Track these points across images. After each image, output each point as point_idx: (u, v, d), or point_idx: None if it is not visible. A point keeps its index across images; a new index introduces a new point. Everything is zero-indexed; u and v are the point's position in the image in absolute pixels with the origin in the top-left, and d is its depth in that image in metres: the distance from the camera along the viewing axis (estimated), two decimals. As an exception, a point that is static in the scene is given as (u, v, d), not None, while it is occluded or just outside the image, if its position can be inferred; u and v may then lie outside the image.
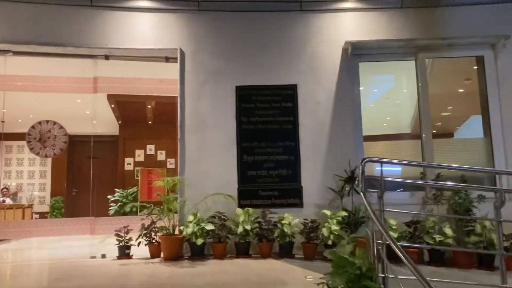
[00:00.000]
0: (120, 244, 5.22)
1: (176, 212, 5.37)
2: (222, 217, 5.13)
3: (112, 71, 6.17)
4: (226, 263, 4.71)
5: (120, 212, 11.19)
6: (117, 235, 5.25)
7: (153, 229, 5.24)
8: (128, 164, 12.12)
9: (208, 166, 5.44)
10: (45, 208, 11.55)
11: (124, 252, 5.19)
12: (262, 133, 5.51)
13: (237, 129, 5.51)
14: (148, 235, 5.22)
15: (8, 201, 10.53)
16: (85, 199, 12.63)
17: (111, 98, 9.08)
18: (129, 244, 5.22)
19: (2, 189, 10.95)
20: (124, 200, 11.21)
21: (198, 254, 5.02)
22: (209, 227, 4.96)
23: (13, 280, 4.21)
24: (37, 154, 5.54)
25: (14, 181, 11.63)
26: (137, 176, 11.93)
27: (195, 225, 4.94)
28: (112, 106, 9.60)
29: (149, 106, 9.86)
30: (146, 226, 5.25)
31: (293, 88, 5.55)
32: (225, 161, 5.45)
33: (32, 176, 11.77)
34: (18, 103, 9.67)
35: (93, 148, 13.10)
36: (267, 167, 5.46)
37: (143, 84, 5.99)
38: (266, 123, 5.53)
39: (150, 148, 12.32)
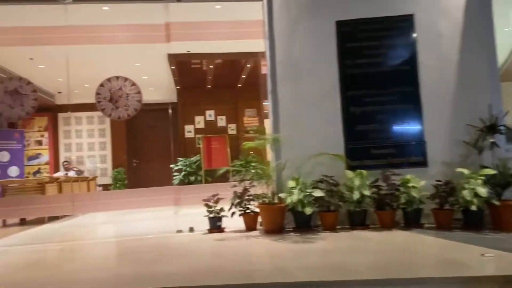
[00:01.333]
0: (210, 215, 4.49)
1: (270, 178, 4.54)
2: (331, 181, 4.24)
3: (185, 15, 5.32)
4: (346, 236, 3.84)
5: (185, 182, 10.65)
6: (206, 205, 4.51)
7: (247, 197, 4.46)
8: (189, 131, 11.49)
9: (306, 122, 4.52)
10: (107, 180, 11.21)
11: (215, 224, 4.45)
12: (371, 78, 4.49)
13: (340, 74, 4.52)
14: (242, 204, 4.44)
15: (72, 174, 10.21)
16: (146, 170, 12.23)
17: (172, 58, 8.30)
18: (220, 215, 4.47)
19: (63, 162, 10.64)
20: (188, 169, 10.63)
21: (303, 225, 4.19)
22: (318, 193, 4.08)
23: (103, 261, 3.55)
24: (109, 116, 4.84)
25: (74, 154, 11.32)
26: (199, 144, 11.30)
27: (300, 191, 4.08)
28: (172, 68, 8.83)
29: (211, 66, 9.02)
30: (239, 194, 4.47)
31: (409, 20, 4.45)
32: (326, 115, 4.51)
33: (92, 148, 11.41)
34: (74, 71, 9.11)
35: (152, 117, 12.57)
36: (379, 119, 4.47)
37: (221, 28, 5.09)
38: (376, 65, 4.50)
39: (210, 114, 11.60)
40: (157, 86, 10.92)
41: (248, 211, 4.45)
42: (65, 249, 4.12)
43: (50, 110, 11.10)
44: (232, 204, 4.44)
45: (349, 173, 4.25)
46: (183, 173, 10.61)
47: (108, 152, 11.51)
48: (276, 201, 4.33)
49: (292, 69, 4.58)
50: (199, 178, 10.59)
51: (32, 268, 3.32)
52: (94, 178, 9.75)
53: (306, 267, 2.77)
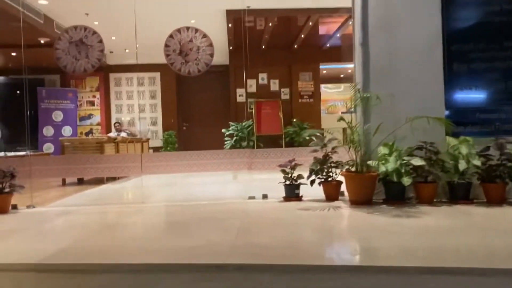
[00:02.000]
0: (287, 182, 4.08)
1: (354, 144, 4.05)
2: (431, 148, 3.70)
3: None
4: (453, 212, 3.34)
5: (236, 147, 10.33)
6: (283, 171, 4.10)
7: (330, 164, 4.00)
8: (240, 95, 11.07)
9: (401, 80, 3.95)
10: (158, 143, 11.06)
11: (292, 192, 4.04)
12: (481, 29, 3.84)
13: (443, 24, 3.88)
14: (323, 171, 4.00)
15: (123, 135, 10.10)
16: (196, 134, 11.98)
17: (230, 15, 7.78)
18: (298, 182, 4.06)
19: (115, 123, 10.53)
20: (240, 135, 10.28)
21: (396, 197, 3.70)
22: (417, 162, 3.57)
23: (184, 227, 3.23)
24: (179, 70, 4.44)
25: (126, 116, 11.20)
26: (251, 108, 10.88)
27: (397, 159, 3.57)
28: (229, 26, 8.33)
29: (270, 24, 8.43)
30: (321, 160, 4.02)
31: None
32: (425, 72, 3.92)
33: (143, 110, 11.24)
34: (126, 29, 8.78)
35: (202, 80, 12.21)
36: (489, 78, 3.84)
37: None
38: (490, 14, 3.83)
39: (263, 78, 11.10)
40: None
41: (330, 179, 4.01)
42: (135, 212, 3.86)
43: (102, 70, 10.94)
44: (312, 171, 4.01)
45: (452, 140, 3.70)
46: (234, 138, 10.28)
47: (159, 114, 11.32)
48: (363, 169, 3.85)
49: (387, 18, 3.98)
50: (251, 143, 10.24)
51: (108, 232, 3.04)
52: (147, 140, 9.59)
53: (438, 249, 2.31)
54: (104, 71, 10.99)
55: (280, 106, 10.79)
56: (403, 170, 3.53)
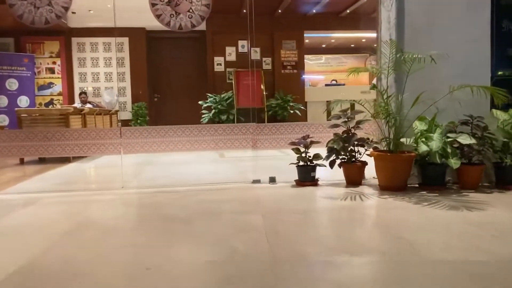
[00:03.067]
0: (300, 163, 3.40)
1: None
2: (479, 123, 3.10)
3: None
4: None
5: (215, 121, 9.54)
6: (297, 149, 3.41)
7: (354, 142, 3.34)
8: (218, 64, 10.19)
9: (440, 41, 3.30)
10: (127, 116, 10.08)
11: (307, 175, 3.37)
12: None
13: (492, -25, 3.22)
14: (346, 150, 3.34)
15: (89, 107, 9.07)
16: (169, 106, 11.03)
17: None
18: (314, 164, 3.38)
19: (80, 94, 9.44)
20: (219, 107, 9.47)
21: (434, 181, 3.11)
22: (466, 140, 2.96)
23: (186, 230, 2.50)
24: (167, 24, 3.58)
25: (90, 85, 10.10)
26: (230, 79, 10.06)
27: (441, 137, 2.95)
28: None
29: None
30: (343, 137, 3.35)
31: None
32: (469, 32, 3.28)
33: (109, 79, 10.16)
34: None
35: (175, 46, 11.18)
36: (544, 41, 3.26)
37: None
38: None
39: (243, 45, 10.23)
40: (185, 9, 9.47)
41: (353, 160, 3.36)
42: (113, 201, 3.08)
43: (63, 34, 9.72)
44: (332, 150, 3.34)
45: (502, 114, 3.11)
46: (213, 111, 9.47)
47: (127, 84, 10.27)
48: (393, 148, 3.22)
49: (425, -35, 3.27)
50: (231, 117, 9.47)
51: (84, 234, 2.27)
52: (116, 113, 8.63)
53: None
54: (66, 35, 9.78)
55: (262, 77, 10.02)
56: (449, 150, 2.91)
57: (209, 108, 9.59)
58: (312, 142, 3.40)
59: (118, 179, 3.88)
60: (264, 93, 9.87)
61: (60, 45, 9.82)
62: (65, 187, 3.84)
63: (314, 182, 3.38)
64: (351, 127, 3.36)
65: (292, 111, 9.54)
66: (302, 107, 9.80)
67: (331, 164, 3.32)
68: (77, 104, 9.09)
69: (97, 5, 8.93)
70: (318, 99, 10.29)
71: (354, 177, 3.34)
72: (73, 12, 9.30)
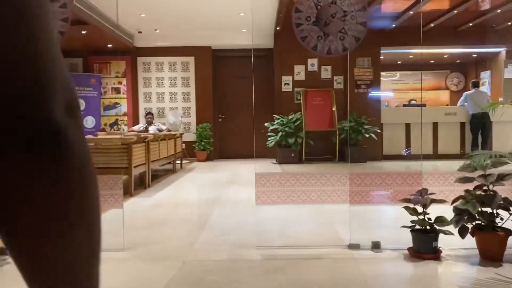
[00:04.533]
0: (416, 226, 2.60)
1: None
2: None
3: None
4: None
5: (282, 145, 8.88)
6: (414, 210, 2.61)
7: (496, 205, 2.49)
8: (286, 84, 9.55)
9: None
10: (191, 137, 9.70)
11: (428, 244, 2.56)
12: None
13: None
14: (484, 216, 2.49)
15: (153, 129, 8.76)
16: (234, 127, 10.51)
17: (287, -16, 6.24)
18: (437, 229, 2.57)
19: (147, 114, 9.19)
20: (286, 129, 8.80)
21: None
22: None
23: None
24: (313, 48, 2.93)
25: (155, 105, 9.85)
26: (298, 99, 9.38)
27: None
28: (283, -1, 6.79)
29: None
30: (480, 196, 2.51)
31: None
32: None
33: (174, 99, 9.87)
34: (157, 5, 7.36)
35: (241, 65, 10.72)
36: None
37: None
38: None
39: (312, 63, 9.55)
40: (252, 27, 8.96)
41: (493, 227, 2.51)
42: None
43: (129, 53, 9.58)
44: (462, 213, 2.51)
45: None
46: (279, 134, 8.82)
47: (192, 104, 9.93)
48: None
49: None
50: (299, 140, 8.75)
51: None
52: (180, 136, 8.23)
53: None
54: (132, 55, 9.64)
55: (333, 96, 9.25)
56: None
57: (275, 130, 8.96)
58: (433, 201, 2.59)
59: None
60: (336, 114, 9.08)
61: (126, 65, 9.70)
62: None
63: (435, 254, 2.55)
64: (491, 183, 2.50)
65: (367, 135, 8.64)
66: (378, 130, 8.88)
67: (462, 233, 2.49)
68: (142, 125, 8.83)
69: (163, 25, 8.67)
70: (396, 121, 9.31)
71: (493, 250, 2.48)
72: (139, 32, 9.13)
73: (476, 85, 8.82)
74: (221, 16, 8.19)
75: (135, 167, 5.08)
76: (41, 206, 0.44)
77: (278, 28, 8.77)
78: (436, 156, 9.21)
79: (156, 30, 9.03)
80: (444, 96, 12.29)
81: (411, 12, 7.77)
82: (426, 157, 9.12)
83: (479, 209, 2.43)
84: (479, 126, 8.97)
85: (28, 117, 0.42)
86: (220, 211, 4.07)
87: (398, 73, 12.44)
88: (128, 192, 5.03)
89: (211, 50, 9.83)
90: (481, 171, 2.49)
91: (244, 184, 5.78)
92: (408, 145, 9.37)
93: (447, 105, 12.02)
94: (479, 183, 2.53)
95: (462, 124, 9.36)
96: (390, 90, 12.30)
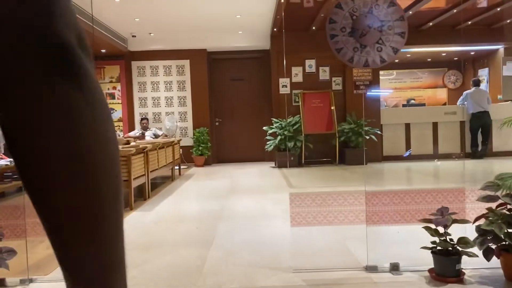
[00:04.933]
0: (438, 247, 2.47)
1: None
2: None
3: None
4: None
5: (281, 149, 8.74)
6: (436, 232, 2.48)
7: (522, 223, 2.36)
8: (284, 86, 9.39)
9: None
10: (188, 142, 9.54)
11: (451, 268, 2.43)
12: None
13: None
14: (509, 236, 2.37)
15: (149, 134, 8.60)
16: (231, 131, 10.34)
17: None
18: (458, 250, 2.44)
19: (142, 120, 9.03)
20: (285, 133, 8.67)
21: None
22: None
23: None
24: (349, 60, 2.76)
25: (151, 110, 9.67)
26: (296, 101, 9.25)
27: None
28: (281, 1, 6.63)
29: (333, -1, 6.71)
30: (502, 214, 2.38)
31: None
32: None
33: (170, 104, 9.69)
34: (152, 8, 7.17)
35: (238, 67, 10.55)
36: None
37: None
38: None
39: (310, 65, 9.41)
40: (248, 28, 8.82)
41: (516, 247, 2.38)
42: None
43: (123, 58, 9.39)
44: (486, 233, 2.38)
45: None
46: (278, 137, 8.68)
47: (189, 108, 9.76)
48: None
49: None
50: (298, 144, 8.62)
51: None
52: (178, 142, 8.07)
53: None
54: (126, 59, 9.44)
55: (331, 98, 9.13)
56: None
57: (274, 134, 8.82)
58: (455, 221, 2.46)
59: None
60: (335, 116, 8.96)
61: (120, 70, 9.51)
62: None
63: (459, 277, 2.43)
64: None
65: (367, 137, 8.53)
66: (379, 132, 8.77)
67: (487, 255, 2.36)
68: (138, 131, 8.65)
69: (157, 28, 8.48)
70: (395, 121, 9.21)
71: (519, 272, 2.36)
72: (133, 36, 8.94)
73: (476, 83, 8.72)
74: (216, 18, 8.03)
75: (134, 179, 4.92)
76: (74, 120, 0.45)
77: (274, 29, 8.61)
78: (436, 156, 9.12)
79: (150, 33, 8.84)
80: (442, 94, 12.22)
81: (410, 12, 7.65)
82: (427, 157, 9.03)
83: (506, 231, 2.31)
84: (479, 126, 8.89)
85: (48, 37, 0.43)
86: (226, 226, 3.93)
87: (395, 72, 12.34)
88: (128, 205, 4.87)
89: (206, 53, 9.66)
90: (507, 191, 2.37)
91: (246, 193, 5.64)
92: (408, 145, 9.28)
93: (445, 103, 11.95)
94: (502, 202, 2.41)
95: (462, 124, 9.28)
96: (388, 89, 12.21)
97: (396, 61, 11.63)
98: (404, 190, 2.65)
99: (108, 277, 0.50)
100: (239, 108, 9.89)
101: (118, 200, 0.52)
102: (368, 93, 9.20)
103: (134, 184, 4.93)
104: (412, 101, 10.76)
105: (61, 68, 0.45)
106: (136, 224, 4.14)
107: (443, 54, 11.02)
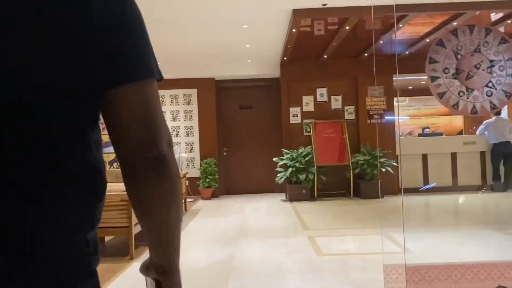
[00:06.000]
0: None
1: None
2: None
3: None
4: None
5: (292, 181, 8.33)
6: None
7: None
8: (294, 115, 9.05)
9: None
10: (195, 173, 9.15)
11: None
12: None
13: None
14: None
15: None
16: (240, 161, 9.94)
17: (298, 16, 5.78)
18: None
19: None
20: (296, 165, 8.26)
21: None
22: None
23: None
24: (454, 107, 2.36)
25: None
26: (308, 131, 8.88)
27: None
28: (293, 30, 6.33)
29: (347, 27, 6.38)
30: None
31: None
32: None
33: (176, 134, 9.36)
34: (157, 34, 6.90)
35: (246, 95, 10.24)
36: None
37: None
38: None
39: (322, 93, 9.07)
40: (258, 57, 8.53)
41: None
42: None
43: (129, 87, 9.10)
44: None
45: None
46: (290, 169, 8.27)
47: (196, 138, 9.41)
48: None
49: None
50: (310, 177, 8.19)
51: None
52: (184, 176, 7.69)
53: None
54: (131, 88, 9.16)
55: (344, 128, 8.74)
56: None
57: (285, 166, 8.41)
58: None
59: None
60: (348, 147, 8.56)
61: (126, 99, 9.19)
62: None
63: None
64: None
65: (383, 169, 8.10)
66: (395, 163, 8.34)
67: None
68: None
69: (165, 57, 8.21)
70: (412, 151, 8.77)
71: None
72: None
73: (498, 112, 8.30)
74: (225, 48, 7.75)
75: (135, 224, 4.52)
76: (162, 197, 0.75)
77: (285, 58, 8.32)
78: (456, 188, 8.65)
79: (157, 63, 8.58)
80: (457, 121, 11.78)
81: (427, 40, 7.32)
82: (446, 189, 8.57)
83: None
84: (501, 157, 8.44)
85: (148, 150, 0.73)
86: (236, 284, 3.50)
87: (407, 98, 11.97)
88: (128, 254, 4.47)
89: (214, 81, 9.38)
90: None
91: (257, 237, 5.21)
92: (426, 177, 8.82)
93: (461, 131, 11.51)
94: None
95: (482, 154, 8.83)
96: (403, 116, 11.83)
97: (410, 87, 11.28)
98: (450, 264, 2.22)
99: (176, 262, 0.82)
100: (248, 137, 9.54)
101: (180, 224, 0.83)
102: (382, 121, 8.83)
103: (136, 230, 4.53)
104: (427, 130, 10.34)
105: (158, 169, 0.74)
106: (135, 280, 3.72)
107: (459, 81, 10.67)
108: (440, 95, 2.25)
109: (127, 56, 0.72)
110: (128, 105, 0.71)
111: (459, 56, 2.25)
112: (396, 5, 4.67)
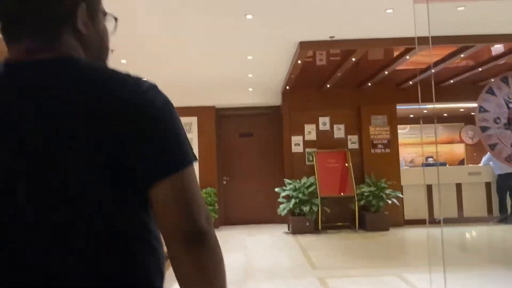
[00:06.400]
0: None
1: None
2: None
3: None
4: None
5: (295, 213, 8.10)
6: None
7: None
8: (296, 144, 8.88)
9: None
10: (194, 203, 8.85)
11: None
12: None
13: None
14: None
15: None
16: (241, 191, 9.69)
17: (304, 48, 5.67)
18: None
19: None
20: (300, 196, 8.04)
21: None
22: None
23: None
24: (507, 159, 2.18)
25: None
26: (310, 161, 8.69)
27: None
28: (298, 62, 6.22)
29: (353, 59, 6.28)
30: None
31: None
32: None
33: (175, 162, 9.09)
34: (157, 65, 6.77)
35: (246, 123, 10.08)
36: None
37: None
38: None
39: (324, 122, 8.93)
40: (259, 85, 8.43)
41: None
42: None
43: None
44: None
45: None
46: (293, 201, 8.03)
47: (195, 168, 9.12)
48: None
49: None
50: (314, 208, 7.96)
51: None
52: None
53: None
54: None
55: (348, 157, 8.57)
56: None
57: (287, 197, 8.18)
58: None
59: None
60: (352, 177, 8.36)
61: (124, 128, 8.98)
62: None
63: None
64: None
65: (389, 201, 7.91)
66: (400, 195, 8.16)
67: None
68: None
69: (165, 86, 8.04)
70: (416, 182, 8.58)
71: None
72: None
73: (502, 143, 8.18)
74: (227, 77, 7.64)
75: None
76: (205, 271, 0.82)
77: (287, 87, 8.20)
78: (462, 220, 8.46)
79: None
80: (459, 149, 11.70)
81: (433, 70, 7.24)
82: (451, 221, 8.37)
83: None
84: (507, 188, 8.31)
85: (190, 225, 0.81)
86: None
87: (408, 126, 11.89)
88: None
89: (215, 109, 9.22)
90: None
91: (264, 280, 4.93)
92: (431, 208, 8.62)
93: (463, 160, 11.41)
94: None
95: (488, 185, 8.69)
96: (400, 146, 11.71)
97: (411, 116, 11.21)
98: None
99: None
100: (248, 165, 9.33)
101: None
102: (386, 151, 8.69)
103: None
104: (430, 159, 10.20)
105: (199, 243, 0.81)
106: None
107: (461, 110, 10.61)
108: (492, 147, 2.08)
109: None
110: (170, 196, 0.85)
111: (511, 105, 2.09)
112: (413, 37, 4.57)
